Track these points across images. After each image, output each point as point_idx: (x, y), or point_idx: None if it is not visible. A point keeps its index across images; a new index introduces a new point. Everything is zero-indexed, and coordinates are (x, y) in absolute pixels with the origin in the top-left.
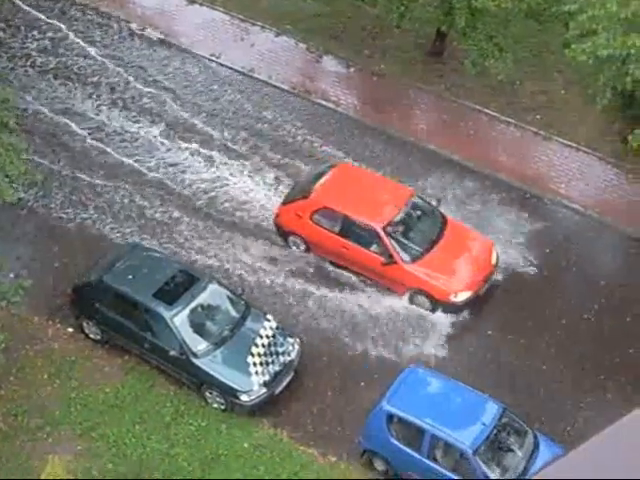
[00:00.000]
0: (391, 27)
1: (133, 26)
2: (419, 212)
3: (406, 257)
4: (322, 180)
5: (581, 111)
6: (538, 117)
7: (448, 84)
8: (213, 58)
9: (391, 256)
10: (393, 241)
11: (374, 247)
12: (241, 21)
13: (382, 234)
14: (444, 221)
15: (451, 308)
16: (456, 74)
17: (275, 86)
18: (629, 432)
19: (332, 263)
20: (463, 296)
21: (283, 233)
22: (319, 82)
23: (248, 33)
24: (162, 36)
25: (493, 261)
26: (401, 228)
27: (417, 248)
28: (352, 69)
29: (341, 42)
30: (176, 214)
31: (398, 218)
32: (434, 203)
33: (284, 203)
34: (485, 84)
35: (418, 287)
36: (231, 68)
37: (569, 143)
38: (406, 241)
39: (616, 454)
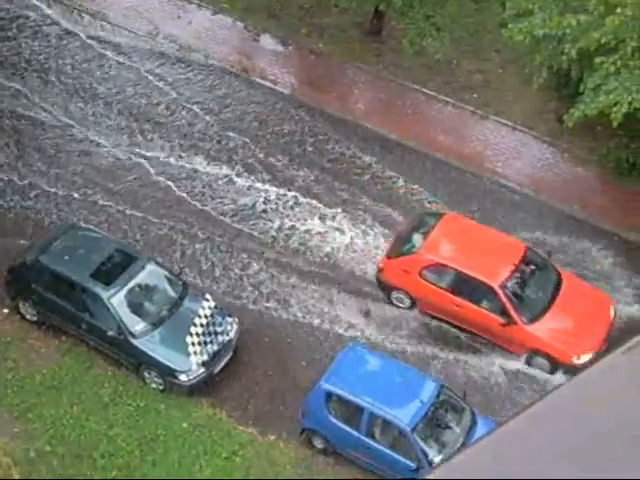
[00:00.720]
0: (329, 6)
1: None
2: (533, 266)
3: (525, 317)
4: (430, 233)
5: (518, 90)
6: (475, 96)
7: (386, 63)
8: (149, 36)
9: (510, 316)
10: (511, 300)
11: (489, 305)
12: None
13: (499, 292)
14: (559, 275)
15: (572, 370)
16: (394, 53)
17: (212, 65)
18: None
19: (440, 320)
20: (586, 357)
21: (386, 288)
22: (257, 61)
23: (185, 11)
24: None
25: (612, 316)
26: (518, 285)
27: (536, 306)
28: (290, 48)
29: (279, 21)
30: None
31: (514, 275)
32: (545, 256)
33: (389, 257)
34: (423, 63)
35: (538, 348)
36: (166, 45)
37: (506, 122)
38: (524, 299)
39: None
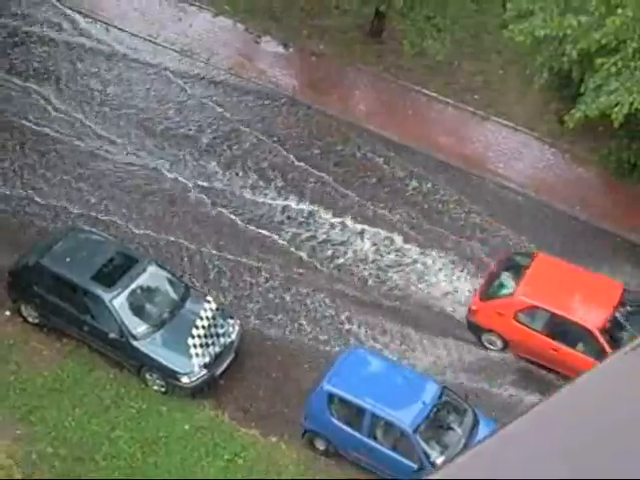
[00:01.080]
0: (330, 7)
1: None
2: (631, 307)
3: None
4: (523, 275)
5: (519, 91)
6: (476, 97)
7: (387, 64)
8: (150, 38)
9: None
10: (609, 342)
11: (587, 348)
12: (178, 1)
13: (598, 335)
14: None
15: None
16: (395, 55)
17: (213, 66)
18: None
19: (533, 362)
20: None
21: (477, 330)
22: (258, 63)
23: (186, 13)
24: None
25: None
26: (616, 327)
27: None
28: (291, 49)
29: (280, 23)
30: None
31: (613, 317)
32: None
33: (481, 299)
34: (424, 64)
35: None
36: (169, 48)
37: (507, 123)
38: (622, 342)
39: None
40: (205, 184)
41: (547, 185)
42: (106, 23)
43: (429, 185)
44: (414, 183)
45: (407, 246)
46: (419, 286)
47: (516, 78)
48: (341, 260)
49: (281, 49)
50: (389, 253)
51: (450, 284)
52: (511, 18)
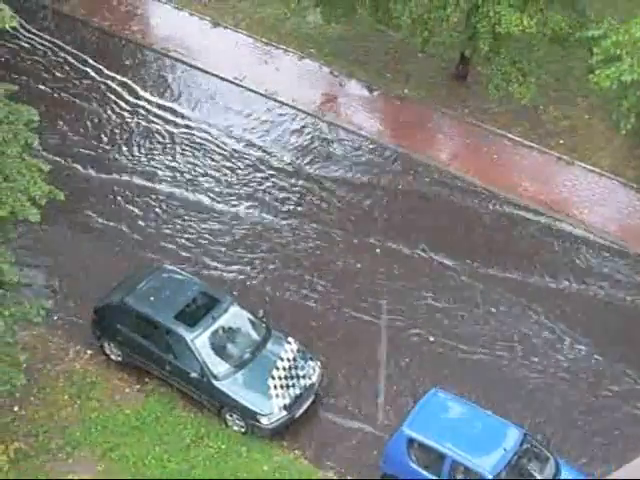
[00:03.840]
0: (414, 51)
1: (155, 47)
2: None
3: None
4: None
5: (604, 136)
6: (561, 142)
7: (471, 108)
8: (236, 81)
9: None
10: None
11: None
12: (265, 44)
13: None
14: None
15: None
16: (479, 98)
17: (298, 109)
18: None
19: None
20: None
21: None
22: (343, 106)
23: (272, 56)
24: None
25: None
26: None
27: None
28: (375, 93)
29: (365, 66)
30: None
31: None
32: None
33: None
34: (508, 109)
35: None
36: (254, 91)
37: (592, 168)
38: None
39: None
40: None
41: (633, 231)
42: (191, 65)
43: (516, 232)
44: (496, 226)
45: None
46: None
47: (602, 123)
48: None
49: (366, 92)
50: None
51: None
52: (598, 63)
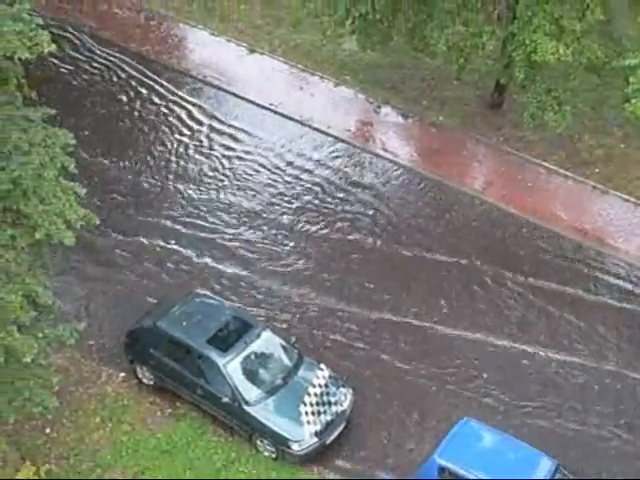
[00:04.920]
0: (450, 78)
1: (193, 73)
2: None
3: None
4: None
5: None
6: (597, 171)
7: (507, 136)
8: (271, 107)
9: None
10: None
11: None
12: (300, 71)
13: None
14: None
15: None
16: (515, 126)
17: (333, 136)
18: None
19: None
20: None
21: None
22: (378, 132)
23: (307, 83)
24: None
25: None
26: None
27: None
28: (410, 120)
29: (400, 93)
30: None
31: None
32: None
33: None
34: (544, 137)
35: None
36: (289, 117)
37: (627, 197)
38: None
39: None
40: None
41: None
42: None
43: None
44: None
45: None
46: None
47: (637, 152)
48: None
49: (401, 119)
50: None
51: None
52: (634, 92)
